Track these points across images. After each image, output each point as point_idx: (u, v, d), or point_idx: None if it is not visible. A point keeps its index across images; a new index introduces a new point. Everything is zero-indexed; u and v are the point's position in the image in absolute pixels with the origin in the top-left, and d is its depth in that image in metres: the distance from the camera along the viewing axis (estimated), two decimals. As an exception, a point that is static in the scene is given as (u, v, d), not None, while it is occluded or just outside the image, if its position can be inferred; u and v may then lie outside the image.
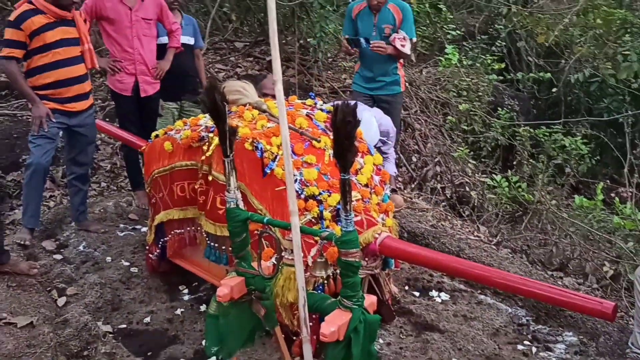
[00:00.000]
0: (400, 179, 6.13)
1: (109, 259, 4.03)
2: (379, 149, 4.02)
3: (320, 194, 2.90)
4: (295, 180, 2.85)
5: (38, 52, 3.80)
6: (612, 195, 5.82)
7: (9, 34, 3.72)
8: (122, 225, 4.54)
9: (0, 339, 2.87)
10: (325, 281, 2.82)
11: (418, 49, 8.49)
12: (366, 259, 3.01)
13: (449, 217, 5.12)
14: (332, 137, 2.14)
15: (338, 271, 2.54)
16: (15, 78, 3.83)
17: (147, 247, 3.84)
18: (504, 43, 8.63)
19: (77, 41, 3.95)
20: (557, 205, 5.36)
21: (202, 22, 7.41)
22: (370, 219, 2.98)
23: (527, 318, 3.55)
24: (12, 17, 3.74)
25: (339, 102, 2.07)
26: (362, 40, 4.47)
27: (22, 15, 3.71)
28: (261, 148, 2.97)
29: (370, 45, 4.41)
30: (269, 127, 3.14)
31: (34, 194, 4.01)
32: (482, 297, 3.74)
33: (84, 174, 4.34)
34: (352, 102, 2.07)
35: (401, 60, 4.75)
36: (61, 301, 3.50)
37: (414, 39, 4.62)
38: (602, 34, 7.97)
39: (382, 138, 4.02)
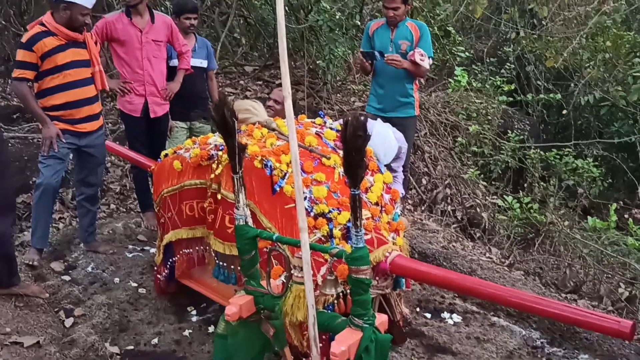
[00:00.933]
0: (410, 201, 6.10)
1: (117, 280, 4.00)
2: (389, 165, 3.99)
3: (330, 211, 2.86)
4: (305, 198, 2.82)
5: (49, 73, 3.82)
6: (626, 216, 5.75)
7: (21, 55, 3.76)
8: (130, 247, 4.52)
9: (7, 358, 2.83)
10: (336, 300, 2.79)
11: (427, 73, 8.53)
12: (377, 278, 2.97)
13: (460, 239, 5.07)
14: (341, 154, 2.13)
15: (348, 290, 2.51)
16: (26, 99, 3.86)
17: (155, 268, 3.82)
18: (513, 66, 8.64)
19: (88, 63, 3.98)
20: (569, 226, 5.29)
21: (212, 46, 7.49)
22: (381, 238, 2.94)
23: (541, 340, 3.47)
24: (24, 39, 3.77)
25: (349, 117, 2.06)
26: (376, 53, 4.44)
27: (34, 37, 3.74)
28: (270, 166, 2.95)
29: (385, 58, 4.37)
30: (278, 145, 3.13)
31: (43, 215, 4.01)
32: (495, 318, 3.67)
33: (94, 195, 4.34)
34: (362, 117, 2.06)
35: (417, 82, 4.71)
36: (69, 322, 3.47)
37: (430, 58, 4.59)
38: (611, 57, 7.98)
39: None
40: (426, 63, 4.36)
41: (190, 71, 4.73)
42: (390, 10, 4.40)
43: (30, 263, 3.98)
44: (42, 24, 3.78)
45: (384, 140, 3.73)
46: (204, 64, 4.97)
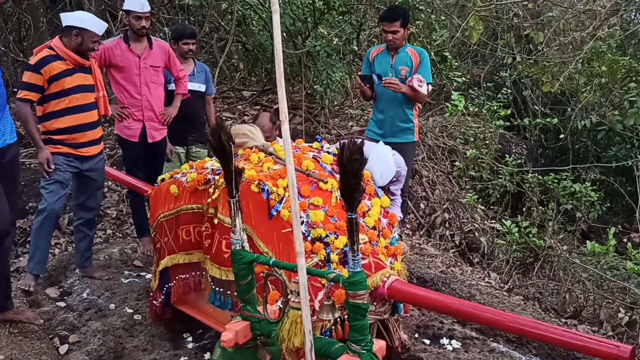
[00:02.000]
0: (408, 225, 6.08)
1: (112, 306, 3.96)
2: (387, 188, 3.98)
3: (327, 236, 2.85)
4: (302, 222, 2.81)
5: (56, 97, 3.83)
6: (625, 240, 5.74)
7: (27, 77, 3.77)
8: (126, 272, 4.48)
9: (-2, 387, 2.79)
10: (333, 326, 2.75)
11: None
12: (374, 303, 2.94)
13: (459, 263, 5.04)
14: (338, 178, 2.12)
15: (346, 315, 2.48)
16: (27, 121, 3.82)
17: (151, 294, 3.78)
18: (510, 90, 8.70)
19: (92, 88, 4.01)
20: (568, 251, 5.27)
21: (210, 71, 7.54)
22: (379, 262, 2.92)
23: (542, 366, 3.43)
24: (32, 61, 3.79)
25: (346, 141, 2.06)
26: (374, 76, 4.46)
27: (43, 60, 3.76)
28: (267, 190, 2.94)
29: (383, 81, 4.39)
30: (275, 170, 3.12)
31: (44, 240, 4.00)
32: (494, 344, 3.62)
33: (91, 219, 4.32)
34: (359, 140, 2.06)
35: (417, 108, 4.72)
36: (63, 349, 3.43)
37: (430, 85, 4.60)
38: (607, 82, 8.04)
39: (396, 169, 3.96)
40: (424, 89, 4.37)
41: (187, 96, 4.75)
42: (390, 34, 4.44)
43: (27, 289, 3.94)
44: (51, 48, 3.82)
45: (383, 162, 3.72)
46: (202, 88, 5.00)
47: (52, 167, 3.88)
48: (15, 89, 7.52)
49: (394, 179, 4.02)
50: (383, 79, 4.39)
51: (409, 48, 4.54)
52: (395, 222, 3.28)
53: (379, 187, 3.48)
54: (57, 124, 3.89)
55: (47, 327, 3.63)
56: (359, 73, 4.75)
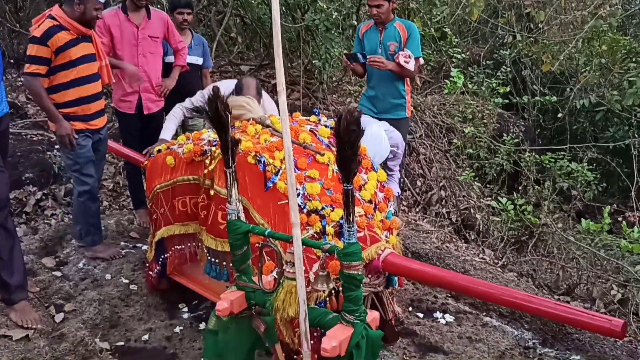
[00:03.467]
0: (404, 202, 6.09)
1: (108, 276, 3.98)
2: (385, 164, 3.98)
3: (323, 208, 2.86)
4: (298, 195, 2.81)
5: (63, 68, 3.76)
6: (619, 219, 5.76)
7: (34, 50, 3.66)
8: (122, 243, 4.49)
9: (-6, 352, 2.82)
10: (328, 297, 2.77)
11: (423, 76, 8.53)
12: (369, 276, 2.96)
13: (454, 240, 5.06)
14: (335, 149, 2.11)
15: (340, 288, 2.50)
16: (40, 95, 3.75)
17: (147, 265, 3.79)
18: (509, 69, 8.65)
19: (95, 57, 3.94)
20: (563, 229, 5.29)
21: (208, 45, 7.48)
22: (374, 236, 2.93)
23: (533, 341, 3.46)
24: (37, 34, 3.65)
25: (343, 112, 2.05)
26: (359, 55, 4.44)
27: (48, 31, 3.65)
28: (264, 162, 2.94)
29: (368, 60, 4.37)
30: (272, 142, 3.12)
31: (95, 217, 4.16)
32: (487, 319, 3.66)
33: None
34: (356, 112, 2.05)
35: (409, 84, 4.70)
36: (59, 317, 3.45)
37: (421, 58, 4.56)
38: (607, 62, 8.00)
39: (392, 148, 3.96)
40: (411, 65, 4.35)
41: (186, 68, 4.72)
42: (374, 9, 4.39)
43: (108, 257, 4.17)
44: (52, 18, 3.70)
45: (377, 143, 3.71)
46: (199, 61, 4.97)
47: (75, 138, 3.85)
48: (12, 60, 7.49)
49: (391, 156, 4.03)
50: (368, 57, 4.37)
51: (397, 22, 4.49)
52: (391, 197, 3.29)
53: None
54: (66, 97, 3.82)
55: (43, 296, 3.65)
56: (344, 52, 4.70)
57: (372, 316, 2.38)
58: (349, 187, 2.12)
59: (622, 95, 7.29)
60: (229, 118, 2.41)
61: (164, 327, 3.47)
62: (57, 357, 3.00)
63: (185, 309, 3.68)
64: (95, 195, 4.11)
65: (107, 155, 5.68)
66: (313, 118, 3.53)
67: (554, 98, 7.97)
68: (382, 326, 2.84)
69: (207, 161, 3.19)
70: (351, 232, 2.18)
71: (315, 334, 2.68)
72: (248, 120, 3.37)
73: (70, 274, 4.02)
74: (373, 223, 3.00)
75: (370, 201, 3.09)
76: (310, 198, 2.86)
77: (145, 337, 3.37)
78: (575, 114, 8.47)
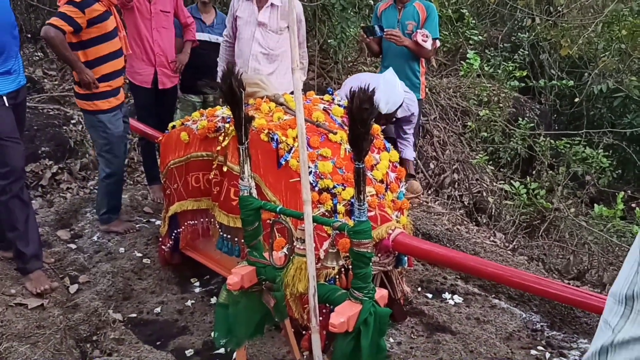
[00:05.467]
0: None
1: (122, 249, 4.04)
2: (400, 127, 3.98)
3: (334, 187, 2.87)
4: (310, 173, 2.83)
5: (101, 41, 3.76)
6: (633, 206, 5.72)
7: (69, 10, 3.58)
8: (136, 218, 4.55)
9: (11, 319, 2.88)
10: (337, 276, 2.81)
11: (439, 58, 8.47)
12: (379, 255, 2.98)
13: (465, 222, 5.06)
14: (348, 128, 2.12)
15: (350, 266, 2.52)
16: (59, 45, 3.62)
17: (160, 239, 3.85)
18: (527, 52, 8.56)
19: (117, 30, 3.92)
20: (575, 214, 5.27)
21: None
22: (385, 215, 2.95)
23: (541, 324, 3.48)
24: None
25: (356, 89, 2.05)
26: (376, 27, 4.39)
27: (87, 0, 3.62)
28: (277, 139, 2.96)
29: (385, 33, 4.34)
30: (285, 120, 3.13)
31: (117, 196, 4.27)
32: (496, 301, 3.67)
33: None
34: (370, 89, 2.06)
35: (424, 65, 4.67)
36: (73, 288, 3.51)
37: (437, 40, 4.53)
38: (627, 47, 7.88)
39: (406, 115, 3.95)
40: (429, 44, 4.31)
41: (196, 43, 4.73)
42: None
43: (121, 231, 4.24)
44: None
45: (390, 89, 3.67)
46: (220, 40, 4.96)
47: (98, 86, 3.83)
48: (29, 35, 7.53)
49: (407, 119, 4.01)
50: (385, 30, 4.33)
51: (416, 2, 4.46)
52: (403, 176, 3.30)
53: (386, 116, 3.51)
54: (103, 70, 3.82)
55: (58, 267, 3.72)
56: (361, 25, 4.68)
57: (381, 294, 2.40)
58: (361, 166, 2.13)
59: (641, 81, 7.21)
60: (243, 95, 2.42)
61: (175, 300, 3.53)
62: (70, 326, 3.07)
63: (197, 284, 3.73)
64: (121, 177, 4.18)
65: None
66: (327, 97, 3.53)
67: (571, 83, 7.87)
68: (391, 305, 2.87)
69: (221, 138, 3.21)
70: (362, 211, 2.20)
71: (324, 310, 2.72)
72: (262, 97, 3.38)
73: (85, 247, 4.09)
74: (384, 203, 3.02)
75: (381, 181, 3.10)
76: (322, 176, 2.88)
77: (158, 309, 3.43)
78: (592, 99, 8.37)
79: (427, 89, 6.70)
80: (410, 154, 4.15)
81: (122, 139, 4.04)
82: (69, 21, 3.61)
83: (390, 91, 3.62)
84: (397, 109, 3.74)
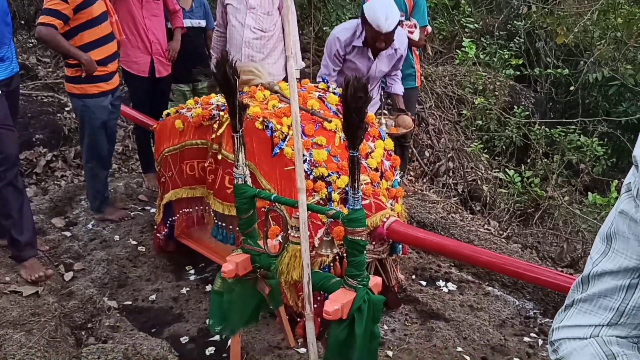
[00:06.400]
0: (412, 172, 6.10)
1: (117, 237, 4.04)
2: (388, 74, 3.97)
3: (329, 175, 2.88)
4: (305, 161, 2.83)
5: (87, 27, 3.72)
6: (627, 194, 5.73)
7: (52, 3, 3.57)
8: (131, 206, 4.55)
9: (5, 306, 2.88)
10: (332, 263, 2.82)
11: (435, 46, 8.44)
12: (373, 243, 2.99)
13: (460, 210, 5.08)
14: (342, 116, 2.12)
15: (344, 253, 2.53)
16: (55, 40, 3.63)
17: (155, 227, 3.85)
18: (523, 40, 8.54)
19: (107, 15, 3.89)
20: (569, 202, 5.29)
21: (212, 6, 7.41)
22: (379, 203, 2.96)
23: (534, 311, 3.50)
24: None
25: (350, 77, 2.04)
26: None
27: None
28: (271, 127, 2.96)
29: None
30: (280, 108, 3.12)
31: (101, 183, 4.23)
32: (489, 288, 3.70)
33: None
34: (364, 79, 2.06)
35: (417, 53, 4.66)
36: (68, 275, 3.52)
37: (428, 27, 4.51)
38: (622, 35, 7.87)
39: (395, 47, 3.92)
40: (416, 35, 4.31)
41: (184, 30, 4.70)
42: None
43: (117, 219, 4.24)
44: None
45: (387, 5, 3.64)
46: (202, 23, 4.93)
47: (96, 68, 3.81)
48: (22, 21, 7.48)
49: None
50: None
51: None
52: (398, 165, 3.30)
53: (389, 33, 3.54)
54: (93, 56, 3.78)
55: (52, 255, 3.72)
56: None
57: (375, 281, 2.41)
58: (355, 154, 2.13)
59: (637, 70, 7.21)
60: (237, 82, 2.42)
61: (170, 288, 3.54)
62: (66, 314, 3.08)
63: (192, 271, 3.74)
64: (105, 162, 4.14)
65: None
66: (322, 85, 3.52)
67: (566, 70, 7.87)
68: (385, 293, 2.89)
69: (215, 126, 3.21)
70: (356, 199, 2.20)
71: (318, 297, 2.74)
72: (257, 85, 3.38)
73: (80, 234, 4.09)
74: (379, 191, 3.02)
75: (376, 169, 3.10)
76: (317, 165, 2.88)
77: (153, 297, 3.44)
78: (588, 87, 8.36)
79: (422, 77, 6.69)
80: (398, 88, 4.12)
81: (107, 124, 4.00)
82: (56, 15, 3.61)
83: (388, 7, 3.59)
84: (395, 27, 3.69)
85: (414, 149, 6.18)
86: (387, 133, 3.66)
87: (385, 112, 3.86)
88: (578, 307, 0.96)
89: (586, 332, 0.94)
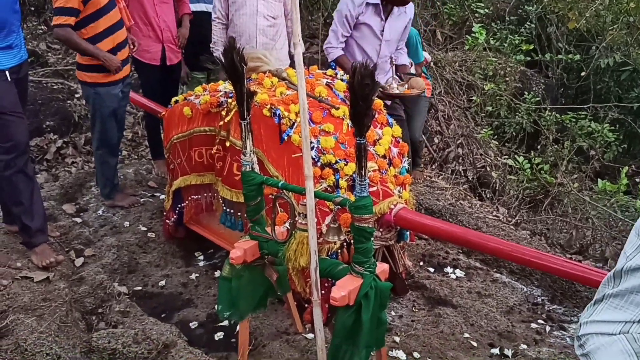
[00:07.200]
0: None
1: (126, 223, 4.07)
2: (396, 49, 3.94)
3: (336, 162, 2.88)
4: (312, 148, 2.84)
5: (96, 18, 3.72)
6: (638, 180, 5.71)
7: (62, 1, 3.59)
8: (141, 192, 4.58)
9: (17, 292, 2.92)
10: (339, 250, 2.83)
11: (445, 31, 8.38)
12: (381, 229, 3.00)
13: (469, 197, 5.07)
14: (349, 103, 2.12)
15: (351, 240, 2.54)
16: (73, 41, 3.71)
17: (164, 213, 3.87)
18: (534, 25, 8.46)
19: (114, 3, 3.87)
20: (579, 188, 5.27)
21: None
22: (387, 190, 2.96)
23: (542, 298, 3.51)
24: None
25: (357, 64, 2.04)
26: None
27: None
28: (279, 114, 2.96)
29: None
30: (287, 95, 3.12)
31: (112, 171, 4.24)
32: (497, 275, 3.70)
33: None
34: (371, 64, 2.05)
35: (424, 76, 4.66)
36: (79, 261, 3.55)
37: (426, 58, 4.49)
38: (635, 20, 7.78)
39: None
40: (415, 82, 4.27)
41: (191, 16, 4.69)
42: None
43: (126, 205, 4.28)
44: None
45: None
46: (209, 8, 4.91)
47: (119, 64, 3.85)
48: (32, 8, 7.49)
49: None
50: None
51: None
52: (405, 152, 3.30)
53: None
54: (104, 46, 3.79)
55: (63, 241, 3.76)
56: None
57: (382, 268, 2.42)
58: (362, 141, 2.13)
59: (649, 55, 7.13)
60: (245, 69, 2.42)
61: (180, 273, 3.57)
62: (76, 299, 3.12)
63: (201, 257, 3.77)
64: (114, 149, 4.16)
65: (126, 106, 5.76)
66: (330, 72, 3.51)
67: (577, 56, 7.79)
68: (393, 279, 2.90)
69: (223, 113, 3.21)
70: (363, 186, 2.20)
71: (326, 284, 2.75)
72: (264, 72, 3.37)
73: (90, 221, 4.12)
74: (386, 178, 3.03)
75: (384, 156, 3.10)
76: (325, 152, 2.88)
77: (162, 282, 3.48)
78: (600, 73, 8.28)
79: (432, 64, 6.66)
80: (405, 59, 4.09)
81: (116, 112, 4.02)
82: (68, 12, 3.62)
83: None
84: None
85: (423, 136, 6.16)
86: (401, 95, 3.68)
87: (396, 76, 3.83)
88: (608, 302, 0.93)
89: (615, 328, 0.92)
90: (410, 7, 3.96)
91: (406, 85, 3.75)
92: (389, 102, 3.92)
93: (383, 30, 3.78)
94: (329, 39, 3.89)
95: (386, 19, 3.76)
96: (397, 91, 3.69)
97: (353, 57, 3.84)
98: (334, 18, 3.87)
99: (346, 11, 3.74)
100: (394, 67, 3.84)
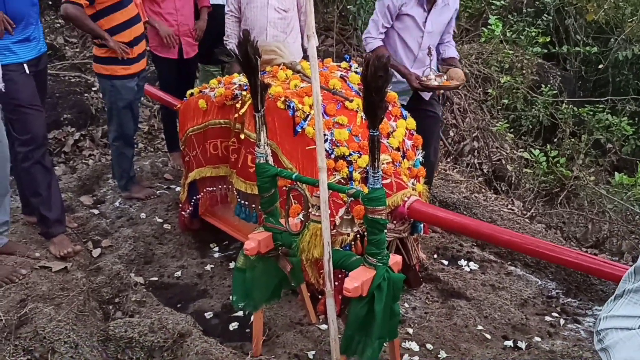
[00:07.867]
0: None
1: (143, 215, 4.12)
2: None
3: (350, 154, 2.89)
4: (326, 140, 2.84)
5: (115, 9, 3.74)
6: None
7: None
8: (157, 185, 4.63)
9: (36, 281, 2.97)
10: (353, 242, 2.84)
11: (461, 23, 8.32)
12: (394, 222, 3.01)
13: (484, 190, 5.05)
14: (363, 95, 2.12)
15: (365, 232, 2.55)
16: (82, 20, 3.69)
17: (180, 205, 3.91)
18: (551, 17, 8.37)
19: None
20: (595, 181, 5.23)
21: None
22: (400, 183, 2.96)
23: (557, 291, 3.49)
24: None
25: (371, 57, 2.04)
26: None
27: None
28: (293, 107, 2.97)
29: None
30: (301, 87, 3.13)
31: (128, 162, 4.27)
32: (511, 268, 3.69)
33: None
34: (385, 58, 2.05)
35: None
36: (96, 252, 3.61)
37: None
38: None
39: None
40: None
41: (210, 9, 4.71)
42: None
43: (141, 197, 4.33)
44: None
45: None
46: (225, 1, 4.92)
47: (128, 51, 3.86)
48: (50, 1, 7.56)
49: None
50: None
51: None
52: (419, 145, 3.29)
53: None
54: (120, 39, 3.82)
55: (81, 232, 3.82)
56: None
57: (395, 260, 2.43)
58: (375, 133, 2.14)
59: (669, 47, 7.03)
60: (259, 62, 2.43)
61: (195, 265, 3.61)
62: (94, 289, 3.17)
63: (216, 249, 3.80)
64: (131, 141, 4.20)
65: (142, 99, 5.80)
66: (344, 64, 3.52)
67: (595, 49, 7.70)
68: (406, 271, 2.90)
69: (238, 105, 3.23)
70: (376, 178, 2.21)
71: (339, 275, 2.76)
72: (279, 65, 3.39)
73: (107, 212, 4.18)
74: (400, 170, 3.03)
75: (398, 149, 3.10)
76: (338, 144, 2.89)
77: (178, 273, 3.52)
78: (619, 65, 8.18)
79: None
80: (453, 52, 3.97)
81: (132, 104, 4.06)
82: None
83: None
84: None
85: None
86: (440, 86, 3.59)
87: (432, 67, 3.73)
88: (628, 298, 0.93)
89: (635, 323, 0.92)
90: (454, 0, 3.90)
91: (445, 77, 3.67)
92: (427, 97, 3.87)
93: (425, 22, 3.73)
94: (368, 29, 3.84)
95: (429, 10, 3.72)
96: (435, 83, 3.58)
97: (394, 48, 3.78)
98: (376, 8, 3.81)
99: (389, 1, 3.68)
100: (433, 58, 3.77)
